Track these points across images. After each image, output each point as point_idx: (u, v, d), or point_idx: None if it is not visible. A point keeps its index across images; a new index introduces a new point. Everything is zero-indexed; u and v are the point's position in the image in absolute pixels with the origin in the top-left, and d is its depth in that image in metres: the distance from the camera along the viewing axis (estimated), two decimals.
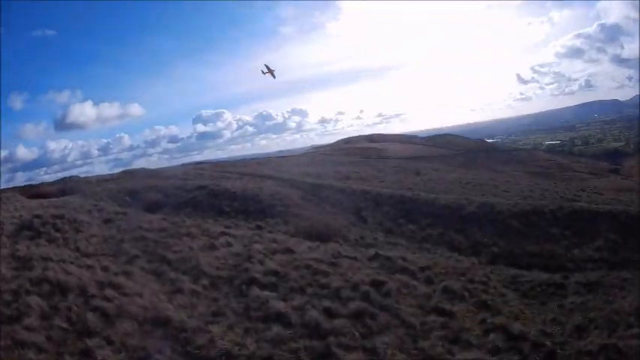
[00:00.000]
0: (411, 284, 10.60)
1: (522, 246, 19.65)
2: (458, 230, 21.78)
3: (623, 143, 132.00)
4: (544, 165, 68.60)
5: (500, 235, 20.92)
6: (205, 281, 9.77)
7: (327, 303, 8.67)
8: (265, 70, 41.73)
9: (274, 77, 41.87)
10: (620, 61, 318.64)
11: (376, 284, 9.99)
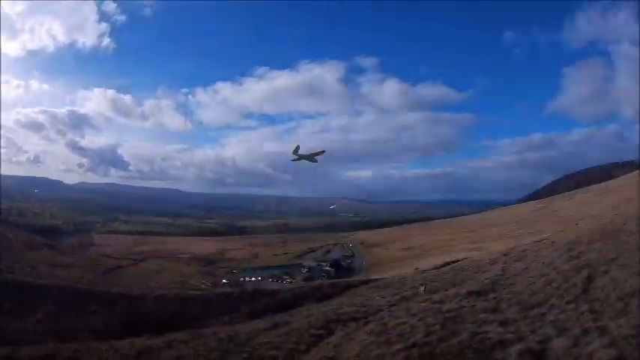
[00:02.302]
0: None
1: None
2: None
3: (61, 222, 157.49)
4: None
5: None
6: None
7: None
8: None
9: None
10: (76, 147, 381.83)
11: None
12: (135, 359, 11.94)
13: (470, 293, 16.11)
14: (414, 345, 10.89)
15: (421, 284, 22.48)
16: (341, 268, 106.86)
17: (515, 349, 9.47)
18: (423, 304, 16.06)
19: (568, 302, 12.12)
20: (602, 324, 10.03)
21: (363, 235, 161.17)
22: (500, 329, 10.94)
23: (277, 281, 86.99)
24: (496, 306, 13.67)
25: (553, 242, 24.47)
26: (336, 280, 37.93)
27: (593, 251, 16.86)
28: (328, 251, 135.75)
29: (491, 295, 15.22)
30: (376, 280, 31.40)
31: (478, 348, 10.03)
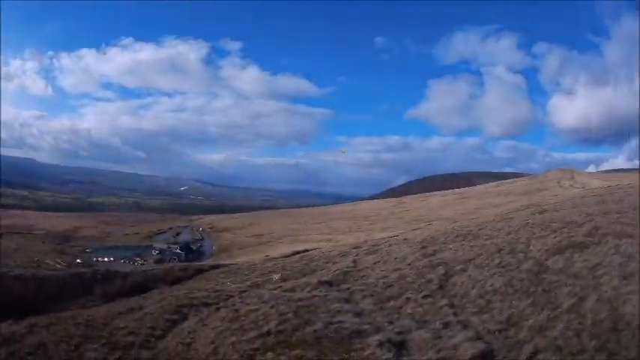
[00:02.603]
0: None
1: None
2: None
3: None
4: None
5: None
6: None
7: None
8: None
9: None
10: None
11: None
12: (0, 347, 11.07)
13: (321, 283, 16.23)
14: (268, 333, 10.78)
15: (270, 272, 22.41)
16: (191, 251, 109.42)
17: (374, 340, 9.52)
18: (274, 291, 16.04)
19: (425, 297, 12.51)
20: (463, 318, 10.45)
21: (212, 219, 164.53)
22: (356, 320, 11.07)
23: (129, 262, 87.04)
24: (349, 297, 13.88)
25: (406, 239, 25.39)
26: (187, 264, 37.54)
27: (449, 251, 17.69)
28: (178, 233, 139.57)
29: (343, 286, 15.46)
30: (226, 265, 31.30)
31: (334, 337, 10.02)
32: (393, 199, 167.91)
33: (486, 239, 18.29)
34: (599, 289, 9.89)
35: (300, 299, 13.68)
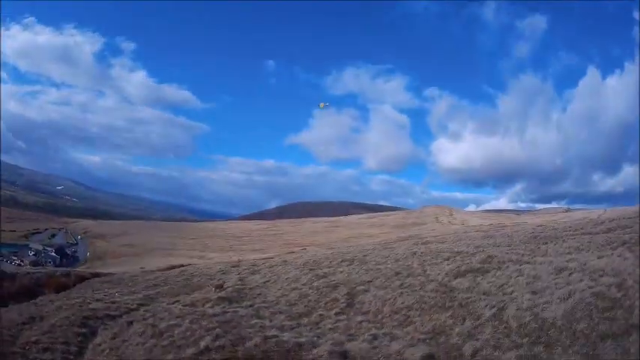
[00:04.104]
0: None
1: None
2: None
3: None
4: None
5: None
6: None
7: None
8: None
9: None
10: None
11: None
12: None
13: (221, 299, 15.83)
14: (207, 349, 10.18)
15: (154, 285, 21.81)
16: (65, 255, 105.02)
17: (323, 350, 9.39)
18: (176, 306, 15.31)
19: (337, 314, 12.67)
20: (388, 332, 10.55)
21: (87, 223, 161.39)
22: (287, 334, 10.79)
23: (6, 261, 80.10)
24: (258, 313, 13.55)
25: (285, 261, 25.55)
26: (67, 270, 34.44)
27: (341, 273, 17.78)
28: (53, 235, 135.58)
29: (245, 303, 15.11)
30: (105, 274, 29.54)
31: (280, 350, 9.73)
32: (265, 222, 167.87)
33: (376, 264, 18.67)
34: (516, 301, 10.37)
35: (214, 315, 13.18)
